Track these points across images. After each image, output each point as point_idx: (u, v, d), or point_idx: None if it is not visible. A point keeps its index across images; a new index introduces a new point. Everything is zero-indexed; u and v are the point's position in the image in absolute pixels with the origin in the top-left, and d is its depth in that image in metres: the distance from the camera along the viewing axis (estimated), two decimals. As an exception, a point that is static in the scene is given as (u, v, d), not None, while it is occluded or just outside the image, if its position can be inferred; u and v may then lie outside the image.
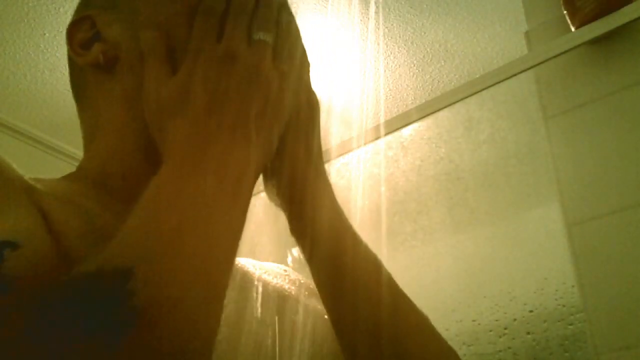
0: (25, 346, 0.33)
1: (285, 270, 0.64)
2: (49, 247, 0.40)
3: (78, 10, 0.57)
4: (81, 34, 0.55)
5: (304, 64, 0.54)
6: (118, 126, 0.53)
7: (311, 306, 0.59)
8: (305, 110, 0.54)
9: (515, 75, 1.31)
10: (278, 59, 0.48)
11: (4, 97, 2.28)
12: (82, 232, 0.45)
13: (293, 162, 0.53)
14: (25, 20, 2.02)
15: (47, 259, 0.39)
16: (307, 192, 0.53)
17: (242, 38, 0.46)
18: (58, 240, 0.42)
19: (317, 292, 0.56)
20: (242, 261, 0.60)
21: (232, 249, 0.41)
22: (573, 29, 1.25)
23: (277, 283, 0.61)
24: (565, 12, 1.27)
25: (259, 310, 0.55)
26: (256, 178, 0.46)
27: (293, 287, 0.61)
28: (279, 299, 0.58)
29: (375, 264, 0.54)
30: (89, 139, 0.56)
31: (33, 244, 0.38)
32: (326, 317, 0.56)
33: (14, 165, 0.45)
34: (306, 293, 0.61)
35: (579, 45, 1.23)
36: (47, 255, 0.39)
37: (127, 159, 0.52)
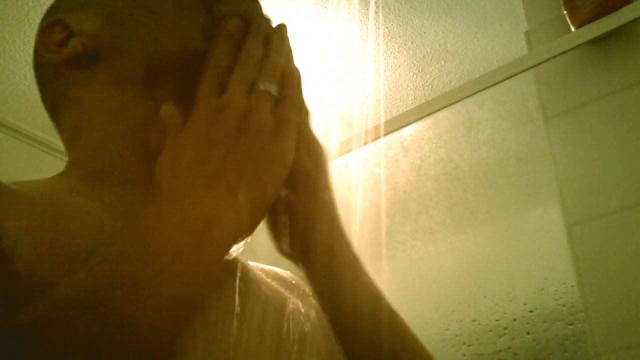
0: None
1: (289, 276, 0.64)
2: None
3: (45, 19, 0.57)
4: (54, 36, 0.55)
5: (306, 115, 0.54)
6: (111, 109, 0.53)
7: (311, 312, 0.59)
8: (307, 162, 0.53)
9: (515, 75, 1.31)
10: (279, 108, 0.46)
11: (4, 97, 2.27)
12: (40, 235, 0.44)
13: (302, 216, 0.52)
14: (25, 20, 2.02)
15: None
16: (319, 247, 0.53)
17: (243, 90, 0.46)
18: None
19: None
20: (249, 263, 0.60)
21: (175, 310, 0.39)
22: (573, 29, 1.25)
23: (277, 287, 0.60)
24: (565, 12, 1.27)
25: (258, 312, 0.55)
26: (239, 229, 0.44)
27: (293, 292, 0.61)
28: (279, 303, 0.58)
29: (375, 301, 0.55)
30: (73, 137, 0.55)
31: None
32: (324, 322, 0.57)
33: None
34: (308, 299, 0.61)
35: (579, 45, 1.23)
36: None
37: (124, 139, 0.52)
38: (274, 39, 0.50)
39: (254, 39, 0.49)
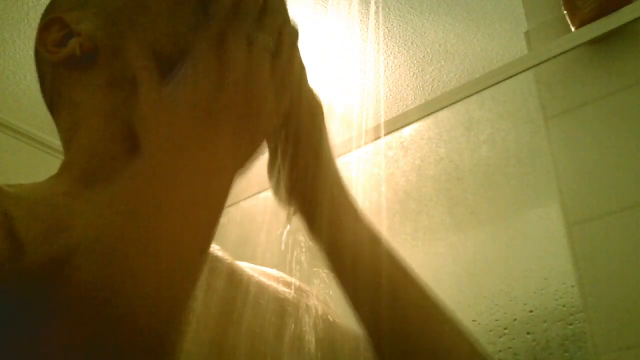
0: None
1: (279, 275, 0.64)
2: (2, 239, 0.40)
3: (44, 17, 0.57)
4: (52, 35, 0.55)
5: (301, 67, 0.54)
6: (104, 112, 0.53)
7: (309, 307, 0.59)
8: (306, 115, 0.54)
9: (515, 75, 1.31)
10: (277, 63, 0.48)
11: (4, 97, 2.27)
12: (45, 234, 0.44)
13: (300, 165, 0.54)
14: (25, 20, 2.02)
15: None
16: (317, 194, 0.55)
17: (242, 42, 0.46)
18: (11, 234, 0.41)
19: (311, 293, 0.57)
20: (240, 264, 0.61)
21: (200, 243, 0.41)
22: (573, 29, 1.25)
23: (272, 285, 0.61)
24: (565, 12, 1.27)
25: (253, 311, 0.55)
26: (232, 177, 0.45)
27: (287, 289, 0.61)
28: (274, 301, 0.58)
29: (375, 242, 0.55)
30: (68, 138, 0.55)
31: None
32: (324, 317, 0.57)
33: None
34: (303, 295, 0.61)
35: (579, 45, 1.23)
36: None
37: (117, 142, 0.52)
38: None
39: None
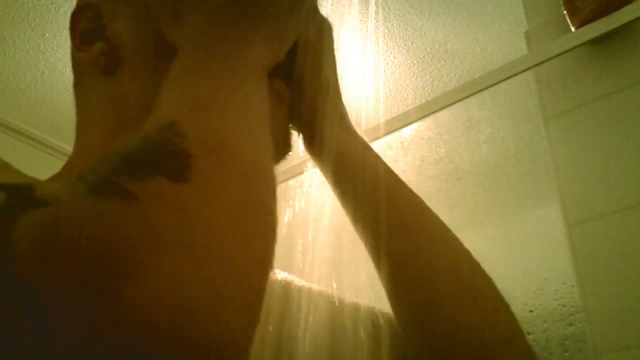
0: (77, 216, 0.30)
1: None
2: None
3: None
4: (84, 23, 0.53)
5: None
6: (109, 129, 0.52)
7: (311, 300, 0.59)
8: (314, 36, 0.56)
9: (515, 75, 1.31)
10: None
11: (4, 97, 2.28)
12: None
13: (306, 85, 0.55)
14: (25, 20, 2.02)
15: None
16: (319, 115, 0.57)
17: None
18: None
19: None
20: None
21: (263, 119, 0.41)
22: (573, 29, 1.25)
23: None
24: (565, 12, 1.27)
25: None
26: (266, 77, 0.45)
27: (289, 286, 0.61)
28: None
29: (379, 166, 0.58)
30: (79, 134, 0.55)
31: (54, 186, 0.37)
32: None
33: None
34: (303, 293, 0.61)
35: (579, 45, 1.23)
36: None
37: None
38: None
39: None
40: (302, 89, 0.56)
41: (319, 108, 0.57)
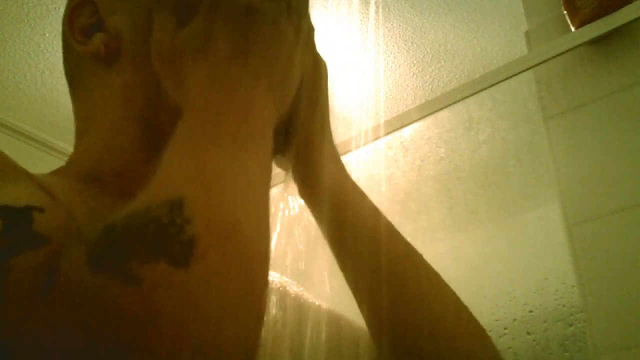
0: (80, 291, 0.31)
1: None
2: (67, 219, 0.38)
3: None
4: (82, 19, 0.53)
5: (311, 27, 0.54)
6: (115, 121, 0.52)
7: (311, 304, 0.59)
8: (311, 73, 0.54)
9: (515, 75, 1.31)
10: (290, 16, 0.48)
11: (4, 97, 2.28)
12: (87, 217, 0.44)
13: (301, 123, 0.53)
14: (25, 20, 2.02)
15: (69, 225, 0.37)
16: (314, 153, 0.55)
17: None
18: (70, 215, 0.40)
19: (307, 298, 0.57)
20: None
21: (266, 188, 0.41)
22: (573, 29, 1.25)
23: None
24: (565, 12, 1.27)
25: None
26: (273, 129, 0.45)
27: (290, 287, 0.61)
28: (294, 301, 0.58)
29: (376, 218, 0.56)
30: (82, 131, 0.54)
31: (54, 211, 0.37)
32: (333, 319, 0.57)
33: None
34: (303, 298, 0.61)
35: (579, 45, 1.23)
36: (68, 222, 0.38)
37: (124, 155, 0.51)
38: None
39: None
40: (296, 131, 0.54)
41: (316, 151, 0.55)
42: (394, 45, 2.19)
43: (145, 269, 0.32)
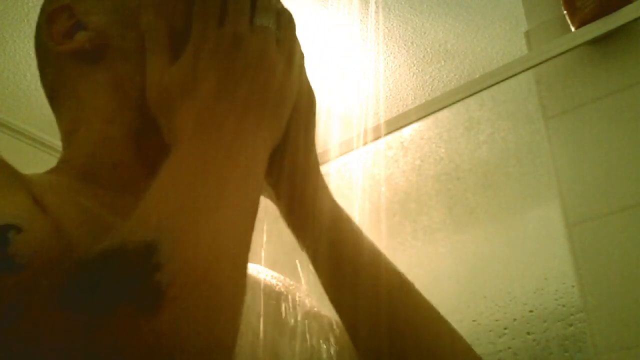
0: (47, 324, 0.32)
1: (278, 277, 0.63)
2: (50, 233, 0.38)
3: (50, 3, 0.55)
4: (60, 24, 0.53)
5: (302, 55, 0.54)
6: (107, 115, 0.52)
7: (307, 305, 0.59)
8: (304, 101, 0.53)
9: (515, 75, 1.31)
10: (280, 46, 0.47)
11: (4, 97, 2.27)
12: (79, 221, 0.44)
13: (293, 153, 0.52)
14: (25, 20, 2.02)
15: (51, 244, 0.37)
16: (307, 184, 0.53)
17: (246, 23, 0.46)
18: (58, 228, 0.40)
19: (308, 293, 0.57)
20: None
21: (249, 227, 0.41)
22: (573, 29, 1.25)
23: (272, 283, 0.60)
24: (565, 12, 1.27)
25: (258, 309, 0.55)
26: (266, 161, 0.45)
27: (286, 288, 0.61)
28: (275, 298, 0.58)
29: (374, 253, 0.54)
30: (71, 132, 0.54)
31: (35, 229, 0.37)
32: (322, 315, 0.57)
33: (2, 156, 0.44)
34: (299, 294, 0.61)
35: (579, 45, 1.23)
36: (51, 241, 0.37)
37: (118, 148, 0.51)
38: None
39: None
40: (288, 157, 0.52)
41: (309, 177, 0.53)
42: (393, 45, 2.19)
43: (111, 311, 0.32)
